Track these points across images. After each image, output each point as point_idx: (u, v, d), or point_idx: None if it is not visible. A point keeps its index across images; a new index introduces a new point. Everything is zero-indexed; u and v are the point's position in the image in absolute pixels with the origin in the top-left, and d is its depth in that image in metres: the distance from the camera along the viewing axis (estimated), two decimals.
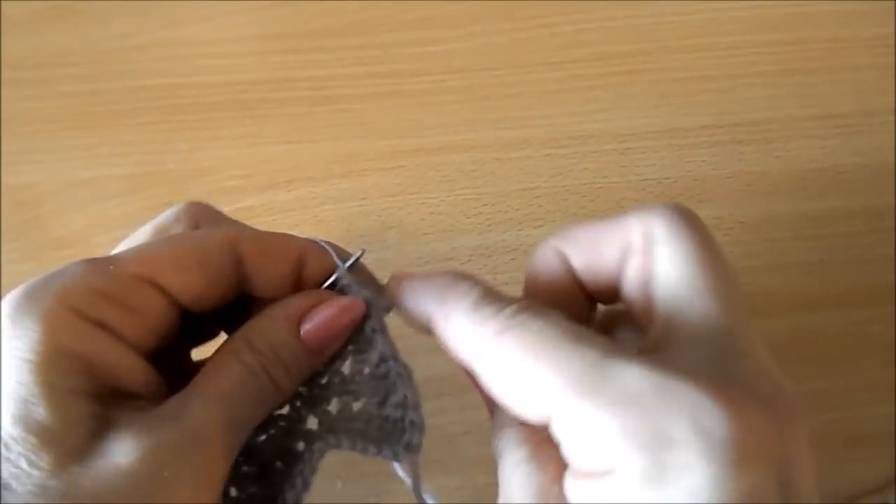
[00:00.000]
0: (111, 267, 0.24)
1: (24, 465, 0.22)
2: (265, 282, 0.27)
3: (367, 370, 0.27)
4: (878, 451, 0.41)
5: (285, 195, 0.47)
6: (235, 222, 0.30)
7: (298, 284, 0.28)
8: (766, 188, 0.47)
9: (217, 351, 0.26)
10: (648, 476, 0.20)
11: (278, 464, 0.27)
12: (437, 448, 0.40)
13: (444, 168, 0.48)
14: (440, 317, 0.25)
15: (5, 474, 0.21)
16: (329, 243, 0.28)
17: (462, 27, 0.52)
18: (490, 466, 0.26)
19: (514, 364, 0.23)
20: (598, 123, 0.49)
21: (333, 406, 0.27)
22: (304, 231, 0.46)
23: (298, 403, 0.27)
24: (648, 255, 0.24)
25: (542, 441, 0.24)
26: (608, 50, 0.51)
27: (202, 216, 0.29)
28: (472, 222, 0.46)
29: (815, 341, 0.44)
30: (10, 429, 0.22)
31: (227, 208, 0.46)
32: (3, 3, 0.53)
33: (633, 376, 0.21)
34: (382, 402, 0.27)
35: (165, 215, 0.28)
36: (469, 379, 0.26)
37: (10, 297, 0.23)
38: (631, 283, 0.25)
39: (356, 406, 0.27)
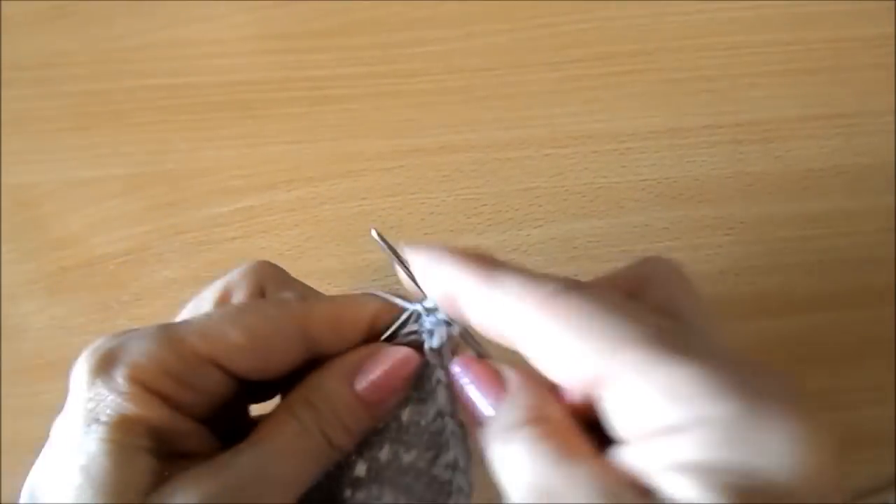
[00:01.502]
0: (179, 344, 0.25)
1: None
2: (336, 351, 0.27)
3: (423, 422, 0.27)
4: (878, 451, 0.41)
5: (285, 195, 0.47)
6: (301, 287, 0.30)
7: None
8: (766, 188, 0.47)
9: (276, 407, 0.26)
10: (737, 426, 0.19)
11: None
12: None
13: (444, 168, 0.48)
14: (484, 286, 0.24)
15: None
16: (396, 294, 0.28)
17: (462, 27, 0.52)
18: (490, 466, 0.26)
19: (570, 325, 0.22)
20: (598, 123, 0.49)
21: (384, 453, 0.27)
22: (304, 231, 0.46)
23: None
24: (672, 289, 0.25)
25: (569, 433, 0.23)
26: (608, 50, 0.51)
27: (269, 278, 0.29)
28: (472, 222, 0.46)
29: (815, 341, 0.44)
30: (78, 480, 0.23)
31: (226, 208, 0.47)
32: (3, 3, 0.53)
33: (708, 343, 0.21)
34: (433, 460, 0.27)
35: (231, 276, 0.29)
36: (455, 387, 0.26)
37: (90, 358, 0.25)
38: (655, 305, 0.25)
39: (406, 458, 0.27)
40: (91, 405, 0.24)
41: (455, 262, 0.25)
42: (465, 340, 0.27)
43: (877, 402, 0.42)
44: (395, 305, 0.27)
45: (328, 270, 0.45)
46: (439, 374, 0.26)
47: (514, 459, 0.23)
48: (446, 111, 0.49)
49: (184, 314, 0.28)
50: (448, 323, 0.26)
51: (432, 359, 0.27)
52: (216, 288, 0.29)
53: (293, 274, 0.45)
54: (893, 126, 0.49)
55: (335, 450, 0.26)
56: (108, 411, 0.24)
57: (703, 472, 0.19)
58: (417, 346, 0.27)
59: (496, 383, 0.25)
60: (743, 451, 0.19)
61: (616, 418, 0.22)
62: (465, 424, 0.26)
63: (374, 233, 0.28)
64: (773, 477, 0.19)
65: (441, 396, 0.26)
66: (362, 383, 0.26)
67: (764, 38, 0.51)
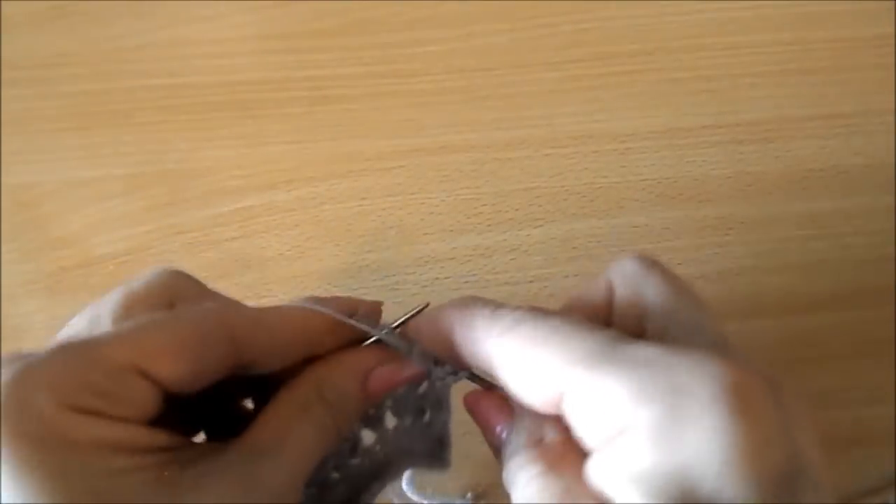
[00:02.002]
0: (97, 356, 0.23)
1: None
2: (268, 362, 0.27)
3: (416, 430, 0.30)
4: (878, 451, 0.41)
5: (285, 195, 0.47)
6: (216, 296, 0.29)
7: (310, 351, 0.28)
8: (766, 188, 0.47)
9: (283, 401, 0.26)
10: (661, 427, 0.20)
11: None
12: None
13: (444, 168, 0.48)
14: (461, 327, 0.26)
15: None
16: (326, 302, 0.28)
17: (462, 27, 0.52)
18: (490, 466, 0.26)
19: (524, 351, 0.24)
20: (598, 123, 0.49)
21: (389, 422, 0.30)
22: (304, 231, 0.46)
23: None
24: (632, 287, 0.27)
25: (558, 455, 0.24)
26: (608, 50, 0.51)
27: (179, 290, 0.28)
28: (472, 222, 0.46)
29: (815, 341, 0.44)
30: None
31: (226, 208, 0.47)
32: (2, 3, 0.53)
33: (643, 349, 0.22)
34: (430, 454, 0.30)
35: (132, 287, 0.27)
36: (473, 413, 0.28)
37: (6, 380, 0.22)
38: (620, 314, 0.27)
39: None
40: (20, 427, 0.21)
41: (435, 325, 0.27)
42: (473, 380, 0.28)
43: (877, 402, 0.42)
44: (325, 314, 0.28)
45: (328, 270, 0.45)
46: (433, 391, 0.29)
47: (512, 482, 0.24)
48: (446, 111, 0.49)
49: (71, 331, 0.26)
50: (455, 373, 0.28)
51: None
52: (114, 302, 0.26)
53: (293, 274, 0.45)
54: (893, 126, 0.49)
55: (339, 438, 0.28)
56: (29, 434, 0.21)
57: (644, 480, 0.20)
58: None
59: (505, 412, 0.27)
60: (670, 452, 0.20)
61: (579, 431, 0.23)
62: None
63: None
64: (703, 473, 0.19)
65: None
66: (373, 381, 0.28)
67: (764, 38, 0.51)
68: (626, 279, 0.27)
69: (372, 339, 0.29)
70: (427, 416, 0.30)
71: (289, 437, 0.25)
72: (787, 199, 0.47)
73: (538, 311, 0.25)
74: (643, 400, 0.21)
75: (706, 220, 0.46)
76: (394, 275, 0.45)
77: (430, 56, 0.51)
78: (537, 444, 0.24)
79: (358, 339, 0.29)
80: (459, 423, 0.42)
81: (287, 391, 0.27)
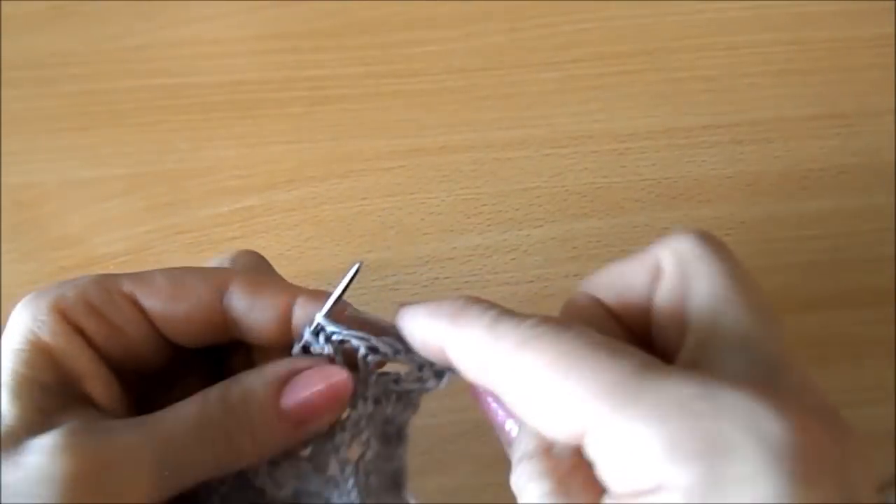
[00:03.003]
0: (105, 279, 0.26)
1: None
2: (250, 329, 0.26)
3: (384, 457, 0.27)
4: (878, 451, 0.41)
5: (285, 195, 0.47)
6: (273, 274, 0.30)
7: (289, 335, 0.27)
8: (766, 188, 0.47)
9: (198, 392, 0.25)
10: (702, 491, 0.18)
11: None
12: (437, 448, 0.40)
13: (444, 168, 0.48)
14: (454, 337, 0.23)
15: None
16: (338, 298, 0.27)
17: (462, 27, 0.52)
18: (490, 466, 0.26)
19: (540, 378, 0.21)
20: (598, 123, 0.49)
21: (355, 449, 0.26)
22: (304, 231, 0.46)
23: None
24: (681, 275, 0.23)
25: (569, 470, 0.22)
26: (608, 50, 0.51)
27: (245, 264, 0.29)
28: (472, 222, 0.46)
29: (815, 341, 0.44)
30: None
31: (226, 208, 0.47)
32: (2, 3, 0.53)
33: (675, 385, 0.19)
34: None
35: (214, 261, 0.29)
36: (480, 407, 0.26)
37: (28, 295, 0.26)
38: (663, 302, 0.24)
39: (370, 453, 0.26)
40: (10, 333, 0.25)
41: (423, 324, 0.24)
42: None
43: (877, 402, 0.42)
44: (317, 298, 0.27)
45: (328, 270, 0.45)
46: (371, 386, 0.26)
47: (520, 492, 0.23)
48: (446, 111, 0.49)
49: None
50: (440, 373, 0.26)
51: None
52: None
53: (293, 274, 0.45)
54: (893, 126, 0.49)
55: (235, 455, 0.24)
56: (22, 338, 0.24)
57: None
58: (350, 352, 0.26)
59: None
60: None
61: (598, 470, 0.21)
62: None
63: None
64: None
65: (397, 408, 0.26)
66: (288, 399, 0.25)
67: (764, 38, 0.51)
68: (677, 263, 0.24)
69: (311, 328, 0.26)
70: (373, 451, 0.26)
71: (160, 417, 0.24)
72: (787, 199, 0.47)
73: (552, 323, 0.22)
74: (679, 457, 0.18)
75: (706, 220, 0.46)
76: (394, 275, 0.45)
77: (430, 56, 0.51)
78: (546, 453, 0.22)
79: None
80: (459, 422, 0.42)
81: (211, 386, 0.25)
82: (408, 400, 0.26)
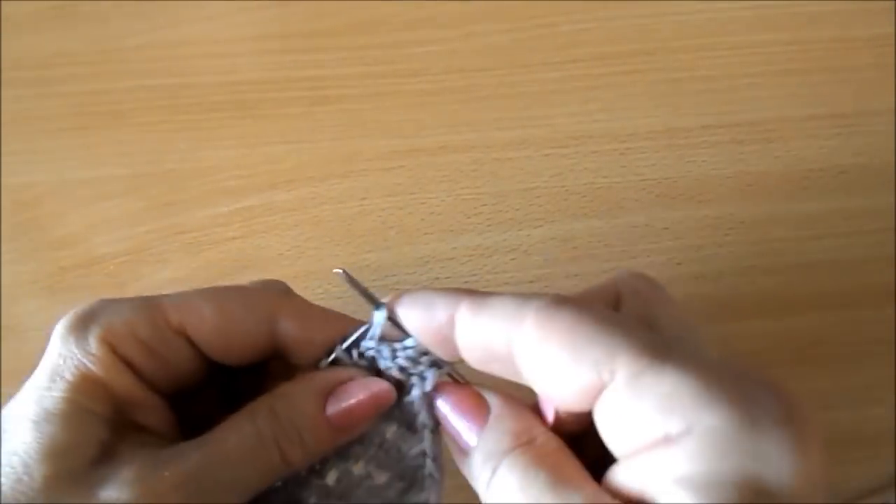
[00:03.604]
0: (153, 311, 0.26)
1: (19, 469, 0.23)
2: (302, 356, 0.27)
3: (404, 449, 0.26)
4: (878, 451, 0.41)
5: (285, 195, 0.47)
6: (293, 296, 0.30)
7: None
8: (766, 188, 0.47)
9: (243, 409, 0.26)
10: (735, 433, 0.19)
11: None
12: None
13: (444, 168, 0.48)
14: (474, 310, 0.24)
15: (4, 475, 0.22)
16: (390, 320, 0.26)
17: (462, 27, 0.52)
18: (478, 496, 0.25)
19: (571, 335, 0.21)
20: (598, 123, 0.49)
21: (360, 468, 0.26)
22: (304, 231, 0.46)
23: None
24: (646, 305, 0.25)
25: (559, 458, 0.22)
26: (608, 50, 0.51)
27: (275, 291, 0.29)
28: (472, 222, 0.46)
29: (815, 341, 0.44)
30: (26, 436, 0.23)
31: (226, 208, 0.47)
32: (3, 3, 0.53)
33: (700, 352, 0.22)
34: (404, 491, 0.26)
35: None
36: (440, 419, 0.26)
37: (69, 317, 0.26)
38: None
39: (378, 480, 0.26)
40: (59, 361, 0.25)
41: (443, 297, 0.25)
42: (451, 376, 0.26)
43: (877, 402, 0.42)
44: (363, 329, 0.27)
45: (328, 270, 0.45)
46: (424, 417, 0.26)
47: (504, 487, 0.22)
48: (446, 111, 0.49)
49: None
50: (438, 365, 0.26)
51: (419, 401, 0.26)
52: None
53: (293, 274, 0.45)
54: (893, 126, 0.49)
55: (287, 465, 0.25)
56: (73, 369, 0.24)
57: (703, 484, 0.19)
58: (374, 369, 0.27)
59: (479, 408, 0.25)
60: (740, 459, 0.19)
61: (611, 433, 0.21)
62: (443, 470, 0.26)
63: (340, 272, 0.27)
64: (771, 484, 0.19)
65: (426, 438, 0.26)
66: (334, 407, 0.26)
67: (764, 38, 0.51)
68: (636, 295, 0.25)
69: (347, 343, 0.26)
70: (408, 487, 0.26)
71: (219, 440, 0.24)
72: (787, 199, 0.47)
73: (564, 297, 0.23)
74: (713, 402, 0.19)
75: (706, 220, 0.46)
76: (394, 275, 0.45)
77: (430, 56, 0.51)
78: (530, 445, 0.23)
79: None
80: None
81: (254, 401, 0.26)
82: (413, 428, 0.27)
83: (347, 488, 0.26)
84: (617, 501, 0.20)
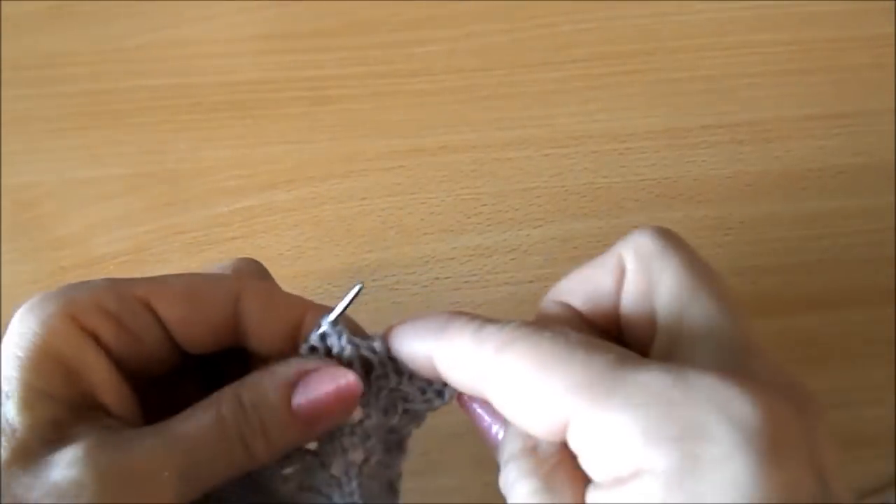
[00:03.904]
0: (119, 284, 0.25)
1: None
2: (261, 338, 0.26)
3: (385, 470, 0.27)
4: (878, 451, 0.41)
5: (285, 195, 0.47)
6: (270, 281, 0.30)
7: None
8: (766, 188, 0.47)
9: (210, 396, 0.25)
10: (679, 474, 0.19)
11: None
12: (437, 448, 0.40)
13: (444, 168, 0.48)
14: (442, 346, 0.24)
15: None
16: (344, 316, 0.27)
17: (462, 27, 0.52)
18: (490, 466, 0.26)
19: (522, 377, 0.22)
20: (598, 123, 0.49)
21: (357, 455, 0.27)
22: (304, 231, 0.46)
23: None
24: (644, 271, 0.25)
25: (554, 468, 0.22)
26: (608, 50, 0.51)
27: (246, 272, 0.29)
28: (472, 222, 0.46)
29: (815, 341, 0.44)
30: None
31: (226, 208, 0.47)
32: (3, 3, 0.53)
33: (649, 375, 0.20)
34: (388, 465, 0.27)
35: (215, 267, 0.29)
36: (468, 415, 0.26)
37: (32, 298, 0.24)
38: (630, 300, 0.25)
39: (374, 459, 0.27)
40: (16, 338, 0.23)
41: (421, 338, 0.25)
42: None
43: (877, 402, 0.42)
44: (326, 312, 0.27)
45: (328, 270, 0.45)
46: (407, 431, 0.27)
47: (508, 489, 0.23)
48: (446, 111, 0.49)
49: None
50: (440, 393, 0.27)
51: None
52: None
53: (293, 274, 0.45)
54: (893, 126, 0.49)
55: (250, 458, 0.25)
56: (29, 345, 0.23)
57: None
58: (348, 357, 0.26)
59: (499, 412, 0.25)
60: (687, 499, 0.19)
61: (583, 462, 0.22)
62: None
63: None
64: None
65: (403, 420, 0.27)
66: (300, 399, 0.25)
67: (764, 38, 0.51)
68: (639, 259, 0.25)
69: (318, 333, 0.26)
70: (376, 458, 0.26)
71: (178, 424, 0.24)
72: (787, 199, 0.47)
73: (532, 326, 0.23)
74: (655, 443, 0.19)
75: (706, 220, 0.46)
76: (394, 275, 0.45)
77: (430, 56, 0.51)
78: (532, 452, 0.23)
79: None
80: (459, 422, 0.42)
81: (219, 390, 0.25)
82: (414, 414, 0.27)
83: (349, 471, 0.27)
84: None
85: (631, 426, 0.20)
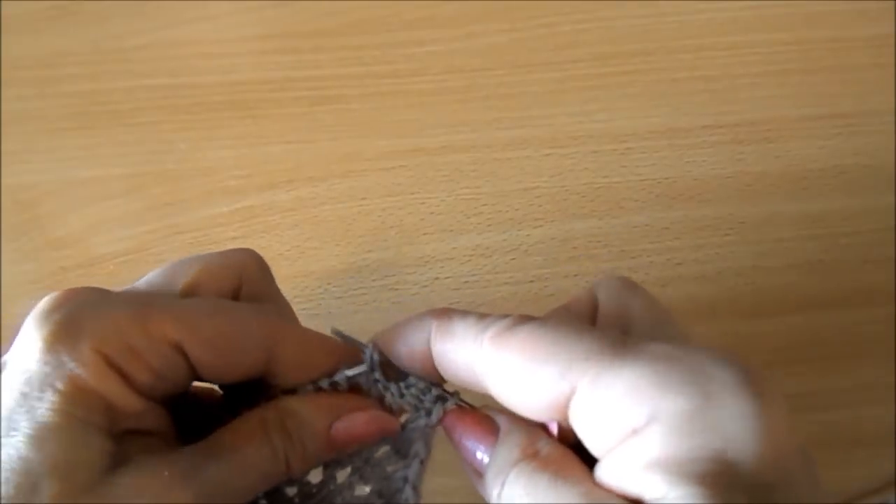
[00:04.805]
0: (150, 322, 0.24)
1: (25, 488, 0.22)
2: (292, 380, 0.27)
3: (389, 469, 0.27)
4: (878, 451, 0.41)
5: (285, 195, 0.47)
6: (278, 297, 0.30)
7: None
8: (766, 188, 0.47)
9: (250, 416, 0.26)
10: (697, 410, 0.20)
11: None
12: (437, 448, 0.40)
13: (444, 168, 0.48)
14: (441, 339, 0.25)
15: (5, 493, 0.22)
16: (375, 348, 0.27)
17: (462, 27, 0.52)
18: None
19: (528, 352, 0.23)
20: (598, 123, 0.49)
21: (343, 476, 0.27)
22: (304, 231, 0.46)
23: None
24: (616, 300, 0.27)
25: (560, 464, 0.23)
26: (608, 50, 0.51)
27: (249, 275, 0.29)
28: (472, 222, 0.46)
29: (815, 341, 0.44)
30: (25, 451, 0.22)
31: (226, 208, 0.47)
32: (3, 3, 0.53)
33: (654, 344, 0.22)
34: None
35: (212, 261, 0.28)
36: (451, 440, 0.26)
37: (51, 321, 0.24)
38: (606, 319, 0.27)
39: (359, 492, 0.27)
40: (46, 368, 0.23)
41: (416, 330, 0.26)
42: (458, 404, 0.27)
43: (877, 402, 0.42)
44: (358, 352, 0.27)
45: (328, 270, 0.45)
46: (419, 447, 0.27)
47: (511, 496, 0.23)
48: (446, 111, 0.49)
49: (148, 285, 0.27)
50: (444, 398, 0.27)
51: (418, 432, 0.27)
52: (190, 271, 0.28)
53: (293, 274, 0.45)
54: (893, 126, 0.49)
55: (285, 474, 0.26)
56: (65, 379, 0.23)
57: (671, 466, 0.20)
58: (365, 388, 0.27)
59: (488, 430, 0.26)
60: (703, 436, 0.20)
61: (586, 437, 0.22)
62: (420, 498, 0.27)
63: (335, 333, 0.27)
64: (737, 453, 0.20)
65: (413, 467, 0.27)
66: (339, 428, 0.26)
67: (764, 38, 0.51)
68: (610, 294, 0.27)
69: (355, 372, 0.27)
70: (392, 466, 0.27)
71: (238, 453, 0.25)
72: (787, 199, 0.47)
73: (528, 316, 0.24)
74: (669, 387, 0.21)
75: (706, 220, 0.46)
76: (394, 275, 0.45)
77: (430, 56, 0.51)
78: (534, 456, 0.23)
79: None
80: None
81: (256, 411, 0.26)
82: (403, 453, 0.27)
83: (329, 493, 0.27)
84: (612, 495, 0.21)
85: (643, 378, 0.21)
